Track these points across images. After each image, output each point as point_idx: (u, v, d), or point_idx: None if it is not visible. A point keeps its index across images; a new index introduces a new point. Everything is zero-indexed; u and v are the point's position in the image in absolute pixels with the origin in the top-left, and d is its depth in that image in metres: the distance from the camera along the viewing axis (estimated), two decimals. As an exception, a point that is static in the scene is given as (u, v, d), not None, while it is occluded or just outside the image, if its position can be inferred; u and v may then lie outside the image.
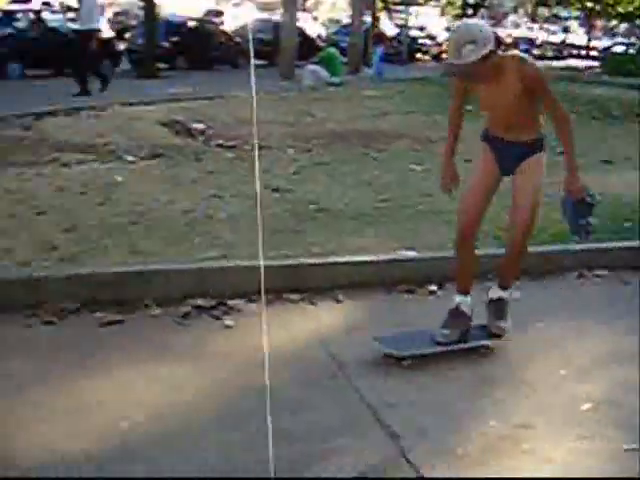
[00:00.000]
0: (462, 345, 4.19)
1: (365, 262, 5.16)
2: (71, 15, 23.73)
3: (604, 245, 5.71)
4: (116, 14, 35.17)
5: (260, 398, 3.51)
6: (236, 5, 45.78)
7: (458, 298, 4.26)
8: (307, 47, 25.94)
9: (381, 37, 28.12)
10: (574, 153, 4.06)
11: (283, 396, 3.57)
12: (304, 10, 42.99)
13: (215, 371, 3.93)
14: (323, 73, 19.72)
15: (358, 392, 3.75)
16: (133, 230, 5.59)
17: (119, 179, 7.22)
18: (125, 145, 8.99)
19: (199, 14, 33.98)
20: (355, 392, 3.75)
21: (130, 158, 8.32)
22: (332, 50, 21.24)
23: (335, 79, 19.63)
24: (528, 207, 4.06)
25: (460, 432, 3.44)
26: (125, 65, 22.59)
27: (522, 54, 4.12)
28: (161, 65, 21.97)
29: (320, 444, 3.27)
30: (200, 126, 10.64)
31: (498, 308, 4.30)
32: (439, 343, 4.14)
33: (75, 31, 14.40)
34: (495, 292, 4.33)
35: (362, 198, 6.84)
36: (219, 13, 39.10)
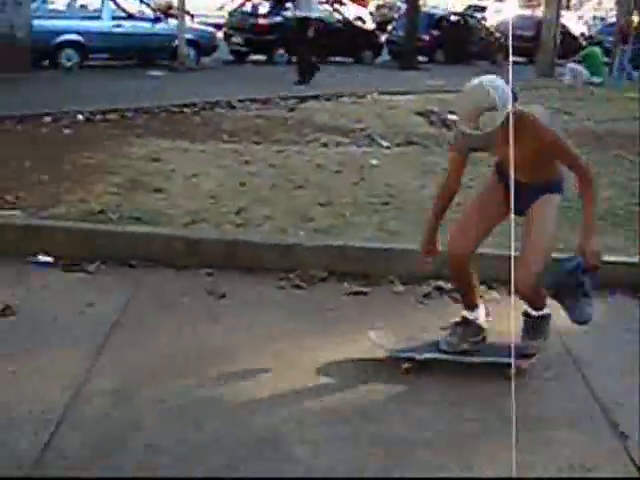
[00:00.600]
0: (478, 359, 3.84)
1: (612, 262, 5.06)
2: (336, 6, 24.79)
3: None
4: (378, 7, 36.01)
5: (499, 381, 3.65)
6: (499, 0, 45.25)
7: (465, 312, 3.95)
8: (569, 45, 25.17)
9: (625, 34, 26.22)
10: (594, 214, 3.61)
11: (519, 383, 3.65)
12: (567, 8, 41.63)
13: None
14: (583, 72, 19.13)
15: (589, 387, 3.75)
16: (383, 210, 5.84)
17: (373, 162, 7.52)
18: (381, 131, 9.30)
19: (461, 8, 34.00)
20: (586, 387, 3.75)
21: (385, 144, 8.61)
22: (595, 49, 20.52)
23: (596, 79, 18.98)
24: (532, 261, 3.57)
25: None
26: (385, 56, 23.18)
27: (536, 114, 3.57)
28: (420, 58, 22.27)
29: (544, 432, 3.33)
30: (455, 117, 10.70)
31: (526, 325, 3.91)
32: (444, 351, 3.85)
33: (297, 19, 14.77)
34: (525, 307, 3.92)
35: (614, 199, 6.67)
36: (481, 8, 38.84)
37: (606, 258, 5.01)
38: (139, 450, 3.01)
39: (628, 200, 6.68)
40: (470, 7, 37.34)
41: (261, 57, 19.98)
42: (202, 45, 17.04)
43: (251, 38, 19.67)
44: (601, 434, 3.35)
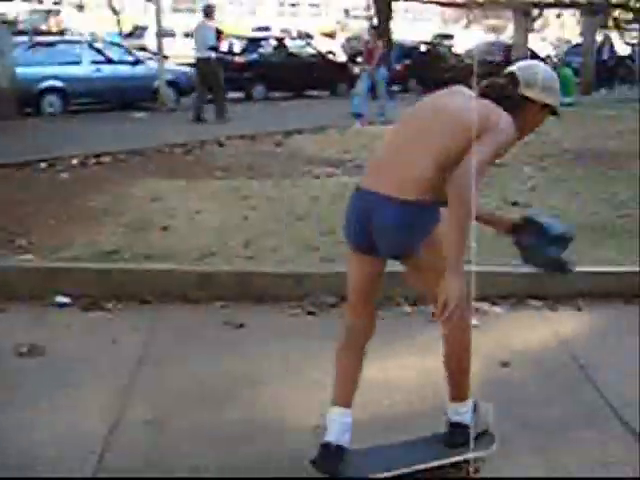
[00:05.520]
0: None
1: (606, 273, 5.31)
2: (309, 41, 25.24)
3: None
4: (348, 39, 36.47)
5: (502, 389, 3.86)
6: (464, 28, 46.08)
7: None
8: (538, 68, 25.69)
9: None
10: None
11: (527, 390, 3.87)
12: (531, 31, 42.47)
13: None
14: (555, 94, 19.57)
15: (598, 390, 3.95)
16: (383, 236, 6.05)
17: (366, 191, 7.74)
18: (369, 161, 9.54)
19: (428, 38, 34.56)
20: (595, 390, 3.96)
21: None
22: (567, 70, 21.02)
23: (568, 99, 19.42)
24: None
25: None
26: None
27: None
28: (394, 87, 22.65)
29: (562, 434, 3.53)
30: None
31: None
32: None
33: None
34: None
35: (601, 213, 6.94)
36: (449, 36, 39.56)
37: (600, 269, 5.33)
38: (183, 473, 3.18)
39: (613, 213, 6.95)
40: (438, 36, 38.01)
41: (239, 94, 20.27)
42: (181, 85, 17.30)
43: (228, 76, 19.97)
44: (615, 433, 3.55)
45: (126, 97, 16.77)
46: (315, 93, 21.46)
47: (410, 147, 2.99)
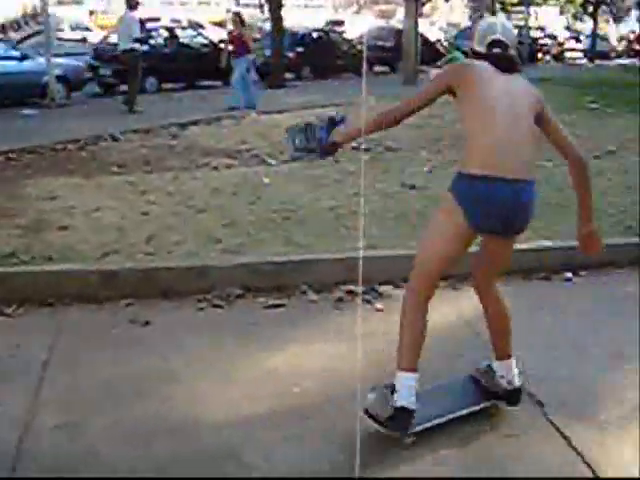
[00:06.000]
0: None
1: (523, 250, 5.43)
2: (200, 30, 25.00)
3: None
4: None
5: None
6: (355, 14, 46.41)
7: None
8: (428, 52, 26.16)
9: None
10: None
11: (434, 369, 3.97)
12: (421, 15, 43.15)
13: (371, 347, 4.27)
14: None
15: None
16: (286, 225, 6.10)
17: (266, 180, 7.78)
18: (267, 150, 9.58)
19: (320, 25, 34.70)
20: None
21: (273, 162, 8.89)
22: (458, 54, 21.45)
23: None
24: (412, 275, 3.49)
25: (598, 402, 3.75)
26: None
27: None
28: (287, 75, 22.69)
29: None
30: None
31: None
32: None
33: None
34: None
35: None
36: (339, 23, 39.77)
37: (520, 246, 5.48)
38: (101, 474, 3.14)
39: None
40: (329, 22, 38.18)
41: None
42: (72, 80, 16.88)
43: (119, 69, 19.59)
44: (521, 406, 3.67)
45: (14, 94, 16.25)
46: (208, 83, 21.28)
47: (514, 129, 3.23)
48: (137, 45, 14.64)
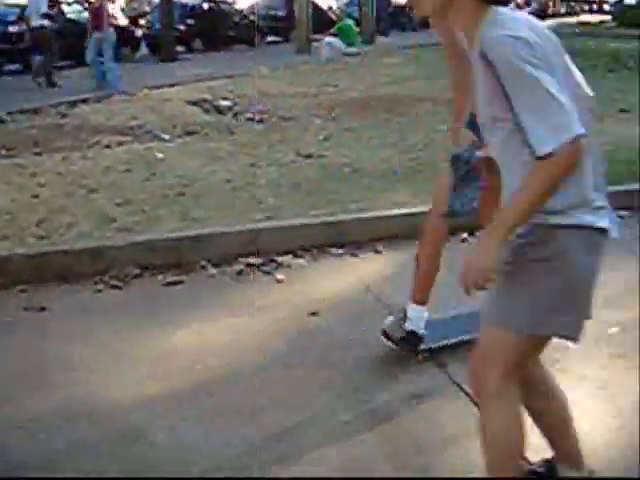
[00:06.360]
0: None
1: (401, 215, 5.52)
2: (87, 6, 24.29)
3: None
4: (128, 2, 35.46)
5: (314, 338, 3.97)
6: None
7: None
8: (320, 20, 26.13)
9: None
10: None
11: (338, 336, 3.99)
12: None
13: (273, 318, 4.31)
14: (339, 44, 20.01)
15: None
16: (182, 200, 6.00)
17: (160, 156, 7.64)
18: (159, 125, 9.42)
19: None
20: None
21: (166, 137, 8.75)
22: (349, 22, 21.54)
23: (352, 49, 19.92)
24: None
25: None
26: (143, 50, 23.04)
27: None
28: (179, 48, 22.34)
29: (375, 372, 3.68)
30: (227, 103, 11.03)
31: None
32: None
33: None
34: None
35: (391, 159, 7.19)
36: (230, -8, 39.29)
37: (395, 212, 5.54)
38: (9, 469, 3.02)
39: (404, 157, 7.22)
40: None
41: (17, 66, 19.27)
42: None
43: (4, 47, 18.90)
44: (424, 367, 3.72)
45: None
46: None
47: None
48: (46, 21, 14.81)
